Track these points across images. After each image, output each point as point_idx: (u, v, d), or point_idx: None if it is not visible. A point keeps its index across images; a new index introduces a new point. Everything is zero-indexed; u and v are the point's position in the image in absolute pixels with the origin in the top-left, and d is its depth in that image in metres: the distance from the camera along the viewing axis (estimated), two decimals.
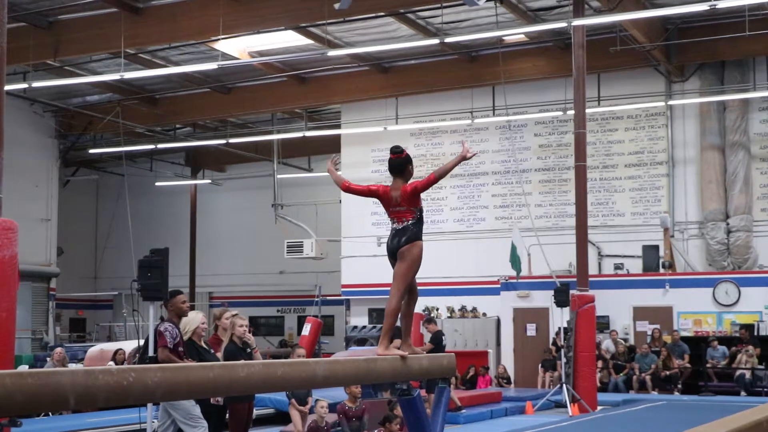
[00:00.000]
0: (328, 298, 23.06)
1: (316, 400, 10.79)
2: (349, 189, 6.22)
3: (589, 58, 15.99)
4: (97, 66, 20.94)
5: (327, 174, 6.49)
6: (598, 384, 16.56)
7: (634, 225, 20.42)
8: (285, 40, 19.04)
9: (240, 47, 19.38)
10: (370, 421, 11.09)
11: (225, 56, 18.78)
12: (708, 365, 17.56)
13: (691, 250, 20.04)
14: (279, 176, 25.73)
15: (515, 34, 18.99)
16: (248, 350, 8.42)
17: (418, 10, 17.56)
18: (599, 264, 20.45)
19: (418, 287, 6.11)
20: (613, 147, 20.82)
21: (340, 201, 23.26)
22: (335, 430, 11.03)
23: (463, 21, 18.45)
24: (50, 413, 12.65)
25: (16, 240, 7.73)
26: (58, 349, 16.40)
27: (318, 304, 20.52)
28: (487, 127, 21.88)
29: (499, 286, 19.97)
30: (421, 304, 14.73)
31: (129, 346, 16.62)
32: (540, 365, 18.50)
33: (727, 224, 19.55)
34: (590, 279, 15.90)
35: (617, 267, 20.07)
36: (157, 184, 28.93)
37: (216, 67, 18.25)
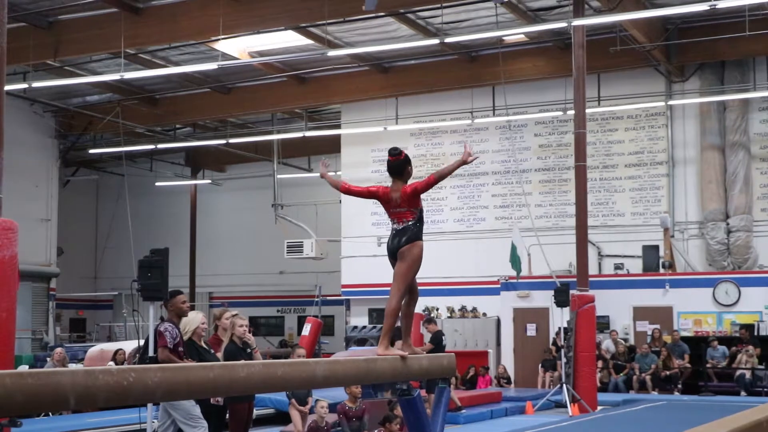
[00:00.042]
0: (328, 298, 23.06)
1: (316, 400, 10.79)
2: (348, 191, 6.22)
3: (589, 58, 15.99)
4: (97, 66, 20.94)
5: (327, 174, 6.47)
6: (598, 384, 16.55)
7: (634, 225, 20.42)
8: (285, 40, 19.04)
9: (240, 47, 19.38)
10: (370, 421, 11.08)
11: (225, 56, 18.78)
12: (708, 365, 17.56)
13: (691, 250, 20.04)
14: (279, 176, 25.73)
15: (515, 34, 18.99)
16: (248, 350, 8.42)
17: (418, 10, 17.56)
18: (599, 264, 20.45)
19: (419, 287, 6.11)
20: (613, 147, 20.82)
21: (340, 201, 23.26)
22: (335, 430, 11.03)
23: (463, 21, 18.45)
24: (50, 413, 12.65)
25: (16, 240, 7.73)
26: (58, 350, 16.39)
27: (318, 304, 20.52)
28: (487, 127, 21.89)
29: (499, 286, 19.97)
30: (421, 304, 14.72)
31: (129, 346, 16.62)
32: (540, 365, 18.50)
33: (727, 224, 19.55)
34: (590, 279, 15.90)
35: (617, 267, 20.07)
36: (157, 184, 28.93)
37: (216, 67, 18.25)
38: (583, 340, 15.09)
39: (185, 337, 8.02)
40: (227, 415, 8.49)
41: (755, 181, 19.68)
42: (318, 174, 6.45)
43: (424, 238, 5.94)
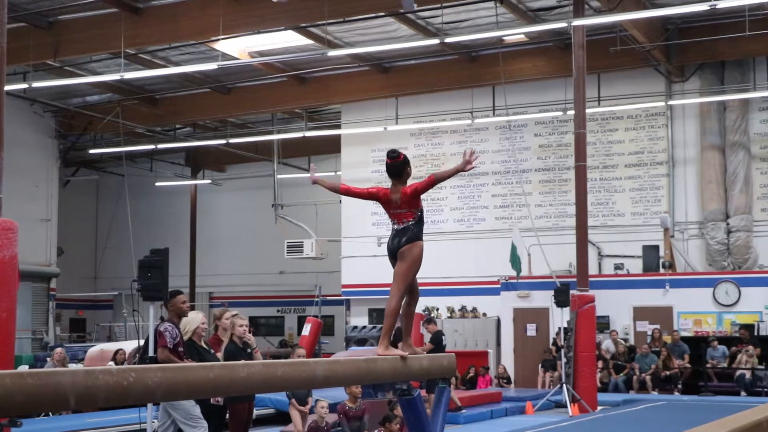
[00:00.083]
0: (328, 298, 23.06)
1: (317, 401, 10.79)
2: (348, 192, 6.22)
3: (589, 58, 15.99)
4: (97, 66, 20.94)
5: (327, 174, 6.51)
6: (598, 384, 16.56)
7: (634, 225, 20.42)
8: (285, 40, 19.04)
9: (240, 47, 19.38)
10: (370, 421, 11.08)
11: (225, 56, 18.78)
12: (708, 365, 17.56)
13: (691, 250, 20.04)
14: (279, 176, 25.73)
15: (515, 34, 18.99)
16: (248, 350, 8.42)
17: (419, 10, 17.53)
18: (599, 264, 20.45)
19: (419, 287, 6.11)
20: (613, 147, 20.82)
21: (340, 201, 23.25)
22: (335, 430, 11.03)
23: (463, 21, 18.45)
24: (50, 413, 12.65)
25: (16, 240, 7.73)
26: (58, 350, 16.39)
27: (318, 304, 20.52)
28: (487, 127, 21.89)
29: (499, 286, 19.97)
30: (421, 304, 14.68)
31: (129, 346, 16.62)
32: (540, 365, 18.50)
33: (727, 224, 19.55)
34: (590, 279, 15.90)
35: (617, 267, 20.07)
36: (157, 184, 28.93)
37: (216, 67, 18.26)
38: (583, 340, 15.09)
39: (185, 337, 8.02)
40: (227, 415, 8.49)
41: (755, 181, 19.68)
42: (319, 173, 6.41)
43: (424, 238, 5.95)
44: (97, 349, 17.98)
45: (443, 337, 13.41)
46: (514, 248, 19.11)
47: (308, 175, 6.26)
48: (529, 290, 19.55)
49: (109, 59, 20.18)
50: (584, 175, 15.84)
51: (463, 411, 13.97)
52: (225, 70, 21.10)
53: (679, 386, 17.53)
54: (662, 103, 20.20)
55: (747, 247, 19.41)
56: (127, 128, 23.17)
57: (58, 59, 19.36)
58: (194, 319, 8.23)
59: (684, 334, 18.45)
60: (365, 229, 22.63)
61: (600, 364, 17.41)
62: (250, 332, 8.72)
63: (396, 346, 5.96)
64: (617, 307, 19.01)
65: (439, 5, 16.55)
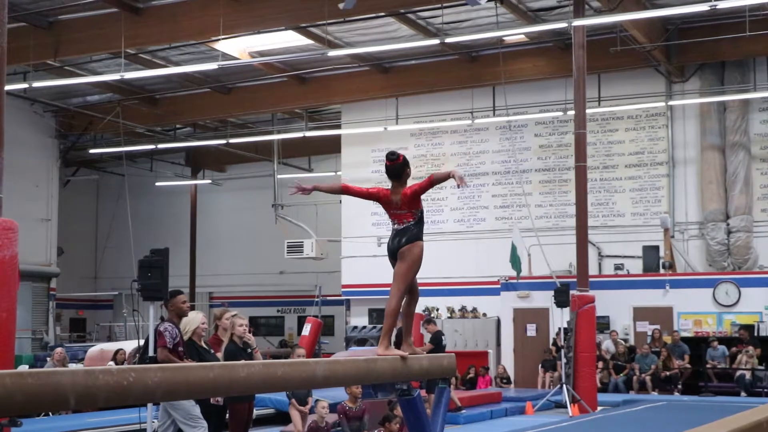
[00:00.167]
0: (328, 298, 23.06)
1: (317, 401, 10.79)
2: (348, 190, 6.22)
3: (589, 59, 15.98)
4: (97, 66, 20.94)
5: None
6: (598, 384, 16.56)
7: (635, 225, 20.42)
8: (285, 40, 19.04)
9: (240, 47, 19.38)
10: (370, 421, 11.08)
11: (225, 56, 18.77)
12: (708, 366, 17.56)
13: (692, 251, 20.04)
14: (279, 176, 25.71)
15: (515, 34, 19.00)
16: (248, 350, 8.41)
17: (419, 10, 17.56)
18: (599, 264, 20.44)
19: (419, 287, 6.11)
20: (614, 147, 20.82)
21: (340, 201, 23.27)
22: (335, 430, 11.03)
23: (464, 21, 18.45)
24: (50, 413, 12.65)
25: (16, 240, 7.73)
26: (59, 349, 16.40)
27: (318, 304, 20.52)
28: (488, 127, 21.89)
29: (499, 286, 19.97)
30: (421, 304, 14.70)
31: (129, 346, 16.62)
32: (540, 365, 18.50)
33: (728, 225, 19.55)
34: (590, 279, 15.89)
35: (617, 267, 20.07)
36: (157, 184, 28.93)
37: (216, 67, 18.25)
38: (583, 341, 15.08)
39: (185, 337, 8.02)
40: (227, 415, 8.49)
41: (755, 182, 19.68)
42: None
43: (424, 238, 5.95)
44: (97, 349, 17.98)
45: (443, 338, 13.40)
46: (514, 248, 19.11)
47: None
48: (529, 290, 19.55)
49: (109, 59, 20.18)
50: (584, 176, 15.84)
51: (463, 411, 13.97)
52: (225, 70, 21.10)
53: (679, 387, 17.53)
54: (662, 104, 20.20)
55: (747, 248, 19.41)
56: (127, 128, 23.17)
57: (59, 59, 19.36)
58: (194, 319, 8.23)
59: (684, 334, 18.45)
60: (365, 229, 22.63)
61: (600, 364, 17.41)
62: (250, 332, 8.72)
63: (398, 348, 5.97)
64: (617, 308, 19.01)
65: (439, 5, 16.55)
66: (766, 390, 16.86)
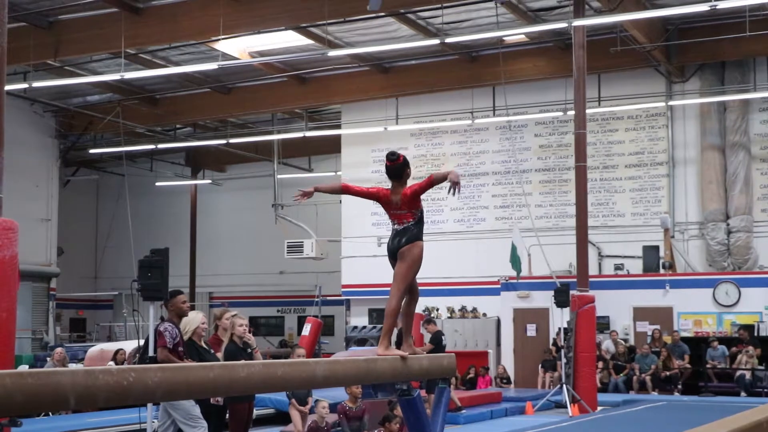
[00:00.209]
0: (328, 298, 23.06)
1: (317, 401, 10.79)
2: (348, 190, 6.22)
3: (589, 59, 15.98)
4: (97, 66, 20.94)
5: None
6: (598, 384, 16.55)
7: (635, 225, 20.42)
8: (285, 40, 19.04)
9: (240, 47, 19.38)
10: (370, 421, 11.08)
11: (225, 56, 18.77)
12: (708, 366, 17.55)
13: (692, 251, 20.04)
14: (279, 176, 25.72)
15: (516, 34, 18.99)
16: (248, 350, 8.41)
17: (419, 10, 17.56)
18: (599, 264, 20.44)
19: (419, 287, 6.11)
20: (614, 147, 20.82)
21: (340, 201, 23.27)
22: (335, 430, 11.03)
23: (464, 21, 18.45)
24: (50, 413, 12.64)
25: (17, 240, 7.73)
26: (59, 349, 16.39)
27: (318, 304, 20.52)
28: (488, 127, 21.89)
29: (499, 286, 19.97)
30: (421, 304, 14.71)
31: (129, 346, 16.62)
32: (540, 365, 18.50)
33: (728, 225, 19.55)
34: (590, 279, 15.89)
35: (617, 267, 20.07)
36: (157, 184, 28.93)
37: (216, 67, 18.25)
38: (583, 341, 15.08)
39: (185, 337, 8.02)
40: (227, 415, 8.49)
41: (755, 182, 19.69)
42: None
43: (424, 238, 5.95)
44: (97, 349, 17.98)
45: (443, 338, 13.41)
46: (514, 248, 19.11)
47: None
48: (529, 290, 19.55)
49: (109, 59, 20.18)
50: (584, 176, 15.84)
51: (463, 411, 13.97)
52: (225, 70, 21.10)
53: (679, 387, 17.53)
54: (662, 104, 20.20)
55: (747, 248, 19.41)
56: (128, 128, 23.17)
57: (59, 59, 19.37)
58: (194, 319, 8.23)
59: (684, 334, 18.45)
60: (365, 229, 22.64)
61: (600, 364, 17.41)
62: (250, 332, 8.72)
63: (399, 348, 5.97)
64: (617, 308, 19.01)
65: (439, 5, 16.55)
66: (766, 390, 16.86)
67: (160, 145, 25.62)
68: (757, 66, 19.76)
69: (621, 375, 17.93)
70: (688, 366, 17.84)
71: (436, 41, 18.15)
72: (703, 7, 14.56)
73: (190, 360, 7.78)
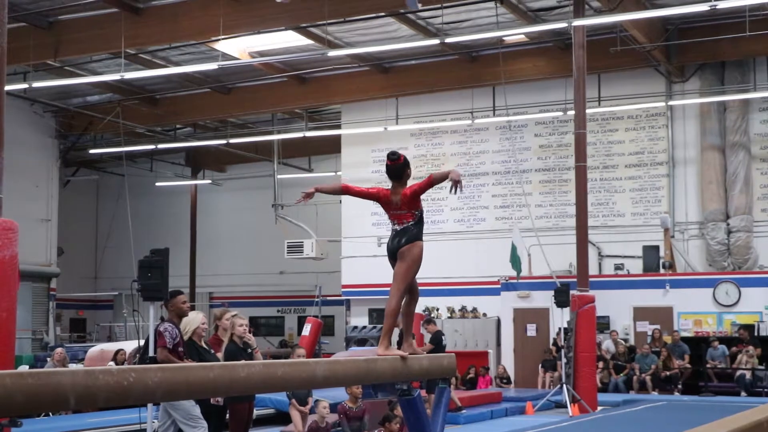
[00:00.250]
0: (329, 298, 23.06)
1: (317, 401, 10.79)
2: (348, 190, 6.22)
3: (589, 59, 15.98)
4: (97, 66, 20.94)
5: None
6: (599, 384, 16.56)
7: (635, 225, 20.42)
8: (285, 40, 19.03)
9: (240, 47, 19.38)
10: (371, 421, 11.08)
11: (225, 56, 18.78)
12: (708, 366, 17.55)
13: (692, 251, 20.04)
14: (279, 176, 25.72)
15: (515, 34, 18.99)
16: (249, 350, 8.41)
17: (419, 10, 17.54)
18: (599, 264, 20.45)
19: (419, 287, 6.11)
20: (614, 147, 20.82)
21: (341, 201, 23.27)
22: (336, 431, 11.03)
23: (464, 21, 18.45)
24: (50, 413, 12.64)
25: (17, 240, 7.73)
26: (59, 350, 16.39)
27: (318, 304, 20.52)
28: (488, 127, 21.89)
29: (499, 286, 19.97)
30: (421, 304, 14.72)
31: (129, 346, 16.62)
32: (540, 365, 18.50)
33: (728, 224, 19.55)
34: (590, 279, 15.89)
35: (617, 267, 20.07)
36: (157, 184, 28.93)
37: (216, 67, 18.26)
38: (584, 341, 15.09)
39: (185, 337, 8.02)
40: (227, 415, 8.49)
41: (755, 182, 19.69)
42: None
43: (424, 238, 5.95)
44: (97, 349, 17.98)
45: (443, 337, 13.41)
46: (514, 248, 19.11)
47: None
48: (530, 290, 19.55)
49: (109, 59, 20.18)
50: (584, 176, 15.84)
51: (463, 411, 13.97)
52: (225, 70, 21.10)
53: (679, 386, 17.53)
54: (662, 104, 20.20)
55: (747, 248, 19.41)
56: (128, 128, 23.17)
57: (59, 59, 19.36)
58: (194, 319, 8.23)
59: (684, 334, 18.45)
60: (365, 229, 22.64)
61: (600, 364, 17.41)
62: (250, 332, 8.72)
63: (400, 348, 5.97)
64: (617, 308, 19.02)
65: (439, 5, 16.55)
66: (766, 390, 16.86)
67: (160, 145, 25.62)
68: (757, 66, 19.77)
69: (621, 375, 17.94)
70: (688, 366, 17.84)
71: (436, 41, 18.15)
72: (703, 7, 14.57)
73: (190, 360, 7.78)
